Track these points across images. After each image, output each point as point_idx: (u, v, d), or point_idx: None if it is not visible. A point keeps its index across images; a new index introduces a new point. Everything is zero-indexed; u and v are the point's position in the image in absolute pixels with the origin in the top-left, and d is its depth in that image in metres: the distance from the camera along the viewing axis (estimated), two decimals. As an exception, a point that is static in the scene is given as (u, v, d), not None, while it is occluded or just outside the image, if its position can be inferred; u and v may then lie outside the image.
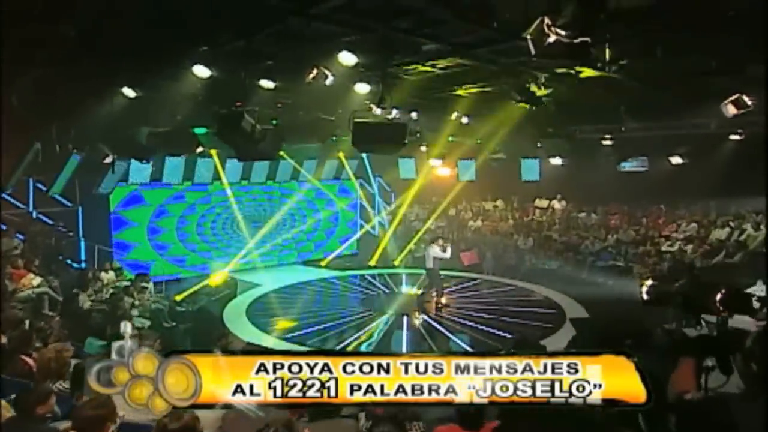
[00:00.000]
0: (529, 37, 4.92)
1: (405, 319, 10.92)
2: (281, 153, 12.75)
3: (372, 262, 16.26)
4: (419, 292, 12.58)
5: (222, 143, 7.82)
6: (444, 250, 11.75)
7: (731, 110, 8.40)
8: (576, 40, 4.62)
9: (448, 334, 10.07)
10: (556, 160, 13.84)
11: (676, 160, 12.12)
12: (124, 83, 7.56)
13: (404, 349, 9.33)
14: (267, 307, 11.62)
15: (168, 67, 6.96)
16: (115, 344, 4.90)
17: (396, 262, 16.13)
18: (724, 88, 8.48)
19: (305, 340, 9.46)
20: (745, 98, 8.03)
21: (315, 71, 6.99)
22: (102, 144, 9.97)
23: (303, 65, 7.02)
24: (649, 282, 6.27)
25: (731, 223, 13.15)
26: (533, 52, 4.95)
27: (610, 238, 14.87)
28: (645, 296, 5.96)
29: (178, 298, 12.62)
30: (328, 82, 7.56)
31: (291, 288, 13.37)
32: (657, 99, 9.89)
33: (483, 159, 15.46)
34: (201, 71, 6.70)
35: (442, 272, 14.39)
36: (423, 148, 14.94)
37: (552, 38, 4.64)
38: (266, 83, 7.37)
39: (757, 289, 8.60)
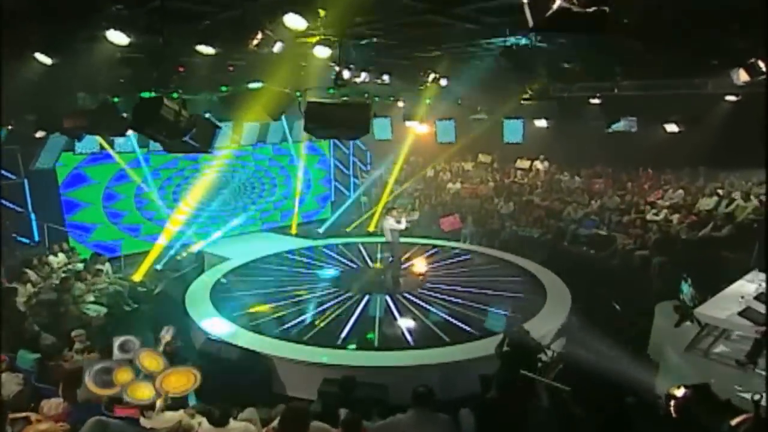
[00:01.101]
0: (525, 2, 3.87)
1: (379, 297, 10.28)
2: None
3: (348, 229, 15.55)
4: (382, 266, 11.94)
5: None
6: (399, 221, 11.26)
7: (742, 77, 7.52)
8: (590, 9, 3.63)
9: (421, 314, 9.44)
10: (541, 122, 12.99)
11: (671, 127, 11.33)
12: (37, 48, 6.37)
13: (376, 332, 8.73)
14: (233, 287, 10.84)
15: (82, 30, 5.80)
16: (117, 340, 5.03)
17: (371, 228, 15.44)
18: (735, 50, 7.58)
19: (273, 328, 8.80)
20: (761, 64, 7.13)
21: (260, 36, 5.96)
22: (28, 117, 8.83)
23: (244, 29, 5.96)
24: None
25: (719, 192, 12.61)
26: (531, 22, 3.91)
27: (594, 203, 14.28)
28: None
29: (137, 277, 11.84)
30: (276, 48, 6.57)
31: (261, 263, 12.54)
32: (659, 59, 8.97)
33: (463, 120, 14.53)
34: (117, 37, 5.58)
35: (416, 239, 13.89)
36: (400, 104, 14.00)
37: (558, 3, 3.63)
38: (205, 49, 6.31)
39: (746, 285, 8.11)
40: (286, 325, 8.93)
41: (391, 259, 11.79)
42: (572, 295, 10.03)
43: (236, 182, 14.94)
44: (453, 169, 17.67)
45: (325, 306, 9.84)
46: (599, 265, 12.38)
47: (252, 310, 9.62)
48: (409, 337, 8.60)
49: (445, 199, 16.26)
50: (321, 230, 15.76)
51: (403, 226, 11.35)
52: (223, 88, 8.39)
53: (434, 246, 13.75)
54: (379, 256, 12.92)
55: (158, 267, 12.69)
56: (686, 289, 8.94)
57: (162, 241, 13.28)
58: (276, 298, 10.24)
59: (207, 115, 8.08)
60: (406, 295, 10.42)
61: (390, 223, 11.32)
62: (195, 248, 13.63)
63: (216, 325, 8.86)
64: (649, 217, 12.77)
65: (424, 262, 12.26)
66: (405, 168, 17.52)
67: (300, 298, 10.27)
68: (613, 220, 13.41)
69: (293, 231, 15.58)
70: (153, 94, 6.19)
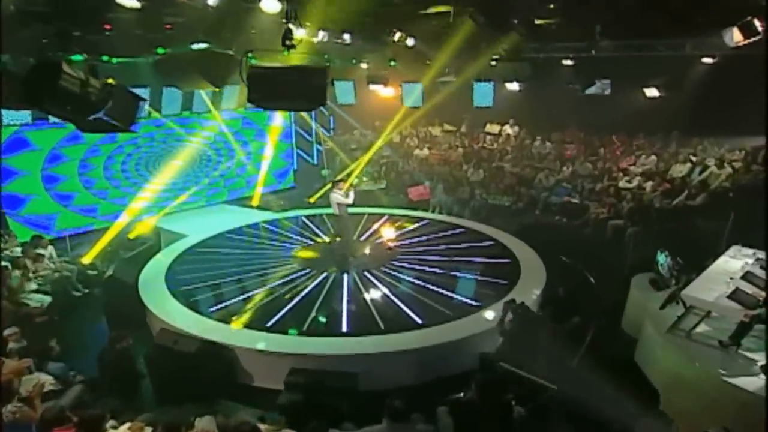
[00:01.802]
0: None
1: (346, 276, 9.68)
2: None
3: (312, 200, 14.78)
4: (330, 240, 11.36)
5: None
6: (346, 195, 10.67)
7: (736, 37, 6.95)
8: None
9: (381, 293, 8.90)
10: (513, 85, 12.35)
11: (651, 92, 10.85)
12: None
13: (344, 313, 8.15)
14: (191, 268, 10.01)
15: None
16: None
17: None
18: (725, 7, 6.98)
19: (233, 314, 8.09)
20: (757, 23, 6.56)
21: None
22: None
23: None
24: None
25: (692, 158, 12.32)
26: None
27: (565, 170, 13.87)
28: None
29: (86, 260, 10.89)
30: (211, 1, 5.69)
31: (219, 239, 11.72)
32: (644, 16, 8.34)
33: (430, 82, 13.77)
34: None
35: (384, 210, 13.26)
36: (364, 66, 13.14)
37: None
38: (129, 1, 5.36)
39: (730, 262, 7.78)
40: (243, 311, 8.24)
41: (339, 237, 11.15)
42: (546, 267, 9.62)
43: (191, 153, 13.88)
44: (420, 135, 16.95)
45: (284, 287, 9.16)
46: (572, 235, 12.03)
47: (207, 294, 8.88)
48: (378, 319, 8.03)
49: (412, 167, 15.60)
50: (283, 202, 14.94)
51: (350, 200, 10.70)
52: (160, 51, 7.37)
53: (398, 216, 13.10)
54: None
55: (109, 248, 11.71)
56: (663, 260, 8.60)
57: (122, 218, 12.33)
58: (233, 280, 9.50)
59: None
60: (371, 271, 9.81)
61: (336, 196, 10.66)
62: (149, 224, 12.69)
63: (171, 312, 8.13)
64: (621, 184, 12.42)
65: (389, 235, 11.63)
66: (368, 134, 16.71)
67: (259, 279, 9.56)
68: (585, 188, 13.03)
69: (254, 202, 14.71)
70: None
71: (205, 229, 12.05)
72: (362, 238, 11.72)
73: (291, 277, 9.66)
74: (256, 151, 15.37)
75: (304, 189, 15.56)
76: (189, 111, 13.63)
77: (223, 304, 8.47)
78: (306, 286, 9.20)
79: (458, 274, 9.57)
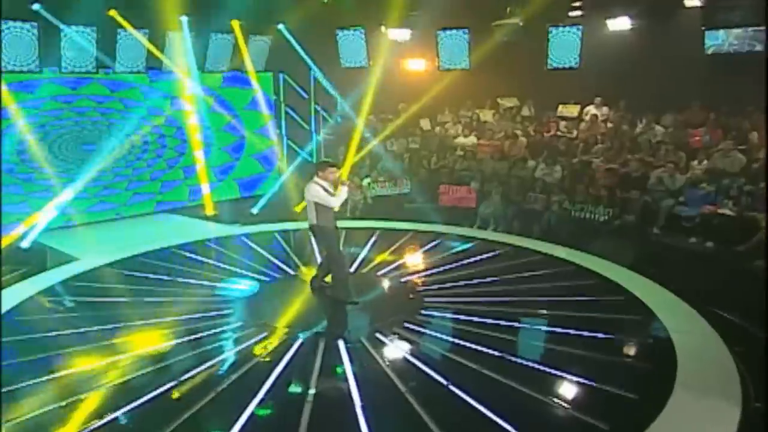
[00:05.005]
0: None
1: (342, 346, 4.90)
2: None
3: (298, 209, 9.80)
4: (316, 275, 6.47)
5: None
6: (329, 191, 5.89)
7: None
8: None
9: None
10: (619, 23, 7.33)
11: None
12: None
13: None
14: (38, 320, 5.43)
15: None
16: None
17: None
18: None
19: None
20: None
21: None
22: None
23: None
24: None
25: None
26: None
27: (695, 165, 8.72)
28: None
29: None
30: None
31: (125, 265, 7.11)
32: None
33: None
34: None
35: (404, 224, 8.31)
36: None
37: None
38: None
39: None
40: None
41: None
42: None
43: (108, 136, 9.20)
44: (462, 120, 11.96)
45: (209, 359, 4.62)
46: (735, 271, 6.86)
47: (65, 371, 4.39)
48: None
49: (449, 163, 10.60)
50: (255, 210, 10.10)
51: (338, 199, 5.89)
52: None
53: (433, 235, 8.23)
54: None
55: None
56: None
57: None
58: (93, 347, 4.96)
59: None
60: (386, 333, 5.15)
61: (316, 191, 5.83)
62: (31, 237, 8.08)
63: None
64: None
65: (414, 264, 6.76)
66: (388, 117, 11.77)
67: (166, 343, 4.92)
68: (744, 191, 7.84)
69: (208, 211, 9.93)
70: None
71: (114, 249, 7.78)
72: (368, 270, 6.94)
73: (217, 344, 5.12)
74: (222, 139, 10.63)
75: (292, 193, 10.61)
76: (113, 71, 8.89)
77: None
78: (243, 370, 4.60)
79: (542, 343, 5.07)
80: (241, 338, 5.22)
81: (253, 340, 5.14)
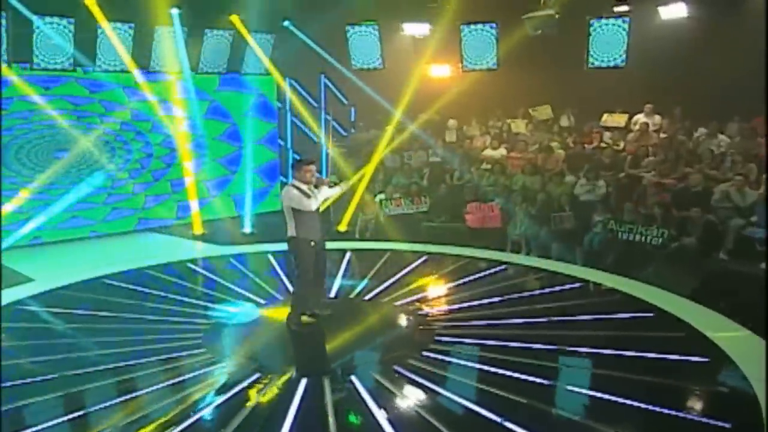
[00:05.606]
0: None
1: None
2: None
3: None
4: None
5: None
6: (305, 192, 4.85)
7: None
8: None
9: None
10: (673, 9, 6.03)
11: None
12: None
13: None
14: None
15: None
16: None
17: (341, 228, 8.72)
18: None
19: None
20: None
21: None
22: None
23: None
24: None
25: None
26: None
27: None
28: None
29: None
30: None
31: (87, 290, 6.13)
32: None
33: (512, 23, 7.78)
34: None
35: (419, 246, 7.12)
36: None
37: None
38: None
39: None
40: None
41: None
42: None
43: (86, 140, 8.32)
44: (491, 131, 10.69)
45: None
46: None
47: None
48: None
49: (474, 178, 9.31)
50: (247, 229, 9.04)
51: (314, 203, 4.84)
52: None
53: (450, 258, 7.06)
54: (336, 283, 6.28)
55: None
56: None
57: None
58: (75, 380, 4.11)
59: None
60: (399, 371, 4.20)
61: (289, 196, 4.84)
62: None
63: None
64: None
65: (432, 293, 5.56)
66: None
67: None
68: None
69: (196, 230, 8.88)
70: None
71: (78, 270, 6.85)
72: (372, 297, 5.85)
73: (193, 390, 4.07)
74: (217, 150, 9.65)
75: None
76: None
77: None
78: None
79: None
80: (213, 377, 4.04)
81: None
